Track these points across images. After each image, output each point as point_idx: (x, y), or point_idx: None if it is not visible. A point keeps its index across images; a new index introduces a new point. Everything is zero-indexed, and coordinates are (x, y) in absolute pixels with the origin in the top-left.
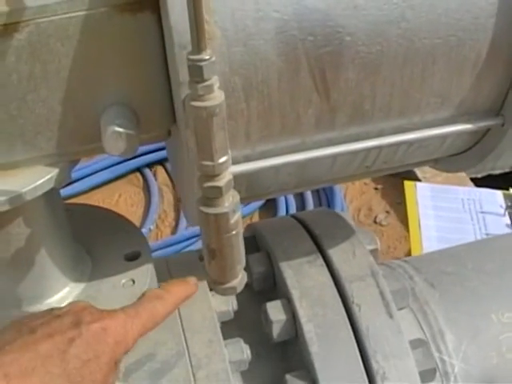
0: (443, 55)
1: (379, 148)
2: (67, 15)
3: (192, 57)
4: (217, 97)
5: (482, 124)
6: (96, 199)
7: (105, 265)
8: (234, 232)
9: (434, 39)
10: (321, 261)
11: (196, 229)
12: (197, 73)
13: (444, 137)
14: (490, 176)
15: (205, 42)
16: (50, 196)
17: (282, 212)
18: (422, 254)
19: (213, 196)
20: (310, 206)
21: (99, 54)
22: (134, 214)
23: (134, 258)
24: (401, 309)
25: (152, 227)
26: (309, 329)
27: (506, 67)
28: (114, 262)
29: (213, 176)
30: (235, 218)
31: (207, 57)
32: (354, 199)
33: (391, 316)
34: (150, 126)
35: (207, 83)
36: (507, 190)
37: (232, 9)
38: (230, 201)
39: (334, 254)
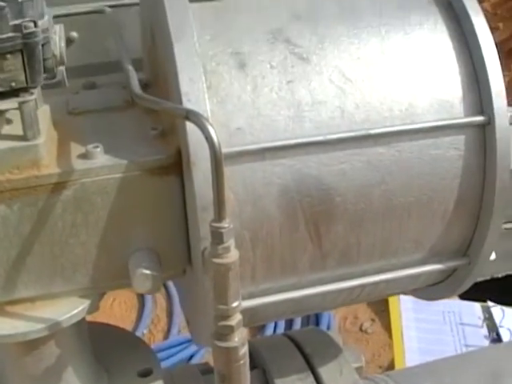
0: (417, 210)
1: (363, 286)
2: (107, 176)
3: (214, 224)
4: (233, 255)
5: (451, 264)
6: None
7: (120, 381)
8: (242, 362)
9: (408, 198)
10: (311, 378)
11: (187, 334)
12: (218, 237)
13: (418, 275)
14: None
15: (225, 212)
16: (79, 321)
17: (270, 325)
18: (403, 367)
19: (225, 333)
20: (298, 318)
21: (131, 207)
22: (127, 319)
23: (146, 374)
24: None
25: (145, 331)
26: None
27: (469, 217)
28: (127, 379)
29: (226, 317)
30: (243, 350)
31: (226, 225)
32: (341, 308)
33: None
34: (169, 266)
35: (226, 245)
36: (485, 301)
37: (244, 177)
38: (239, 336)
39: (323, 372)
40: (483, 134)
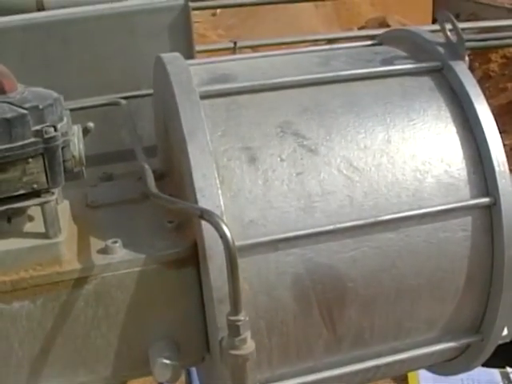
0: (427, 291)
1: (378, 366)
2: (126, 271)
3: (231, 318)
4: (250, 347)
5: (464, 341)
6: None
7: None
8: None
9: (419, 280)
10: None
11: None
12: (234, 330)
13: (432, 353)
14: None
15: (241, 306)
16: None
17: None
18: None
19: None
20: None
21: (150, 299)
22: None
23: None
24: None
25: None
26: None
27: (480, 294)
28: None
29: None
30: None
31: (242, 318)
32: None
33: None
34: (188, 355)
35: (242, 337)
36: (504, 368)
37: (258, 268)
38: None
39: None
40: (490, 214)
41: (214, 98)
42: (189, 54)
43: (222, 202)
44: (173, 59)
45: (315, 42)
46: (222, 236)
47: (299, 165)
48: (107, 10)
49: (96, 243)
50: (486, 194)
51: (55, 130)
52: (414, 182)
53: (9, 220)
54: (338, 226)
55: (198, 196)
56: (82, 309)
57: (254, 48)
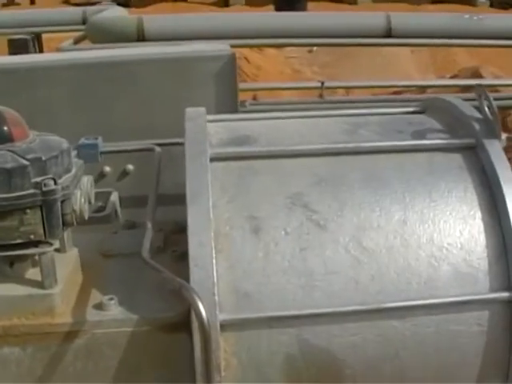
0: None
1: None
2: (118, 330)
3: None
4: None
5: None
6: None
7: None
8: None
9: (424, 373)
10: None
11: None
12: None
13: None
14: None
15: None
16: None
17: None
18: None
19: None
20: None
21: (140, 360)
22: None
23: None
24: None
25: None
26: None
27: None
28: None
29: None
30: None
31: None
32: None
33: None
34: None
35: None
36: None
37: (249, 344)
38: None
39: None
40: (509, 310)
41: (228, 160)
42: (232, 102)
43: (214, 273)
44: (195, 116)
45: (404, 87)
46: (197, 313)
47: (304, 240)
48: (157, 54)
49: (95, 296)
50: (507, 288)
51: (55, 183)
52: (427, 268)
53: (11, 264)
54: (339, 309)
55: (191, 264)
56: (71, 361)
57: (335, 89)
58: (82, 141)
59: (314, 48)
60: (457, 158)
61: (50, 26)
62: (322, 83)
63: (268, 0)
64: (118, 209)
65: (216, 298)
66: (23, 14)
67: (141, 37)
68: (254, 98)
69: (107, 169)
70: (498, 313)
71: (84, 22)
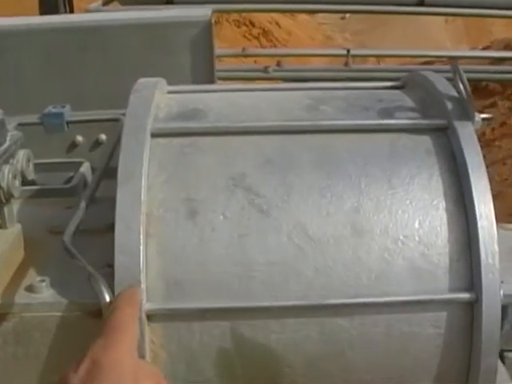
0: None
1: None
2: (47, 314)
3: None
4: None
5: None
6: None
7: None
8: None
9: (372, 375)
10: None
11: None
12: None
13: None
14: None
15: None
16: None
17: None
18: None
19: None
20: None
21: (71, 345)
22: None
23: None
24: None
25: None
26: None
27: None
28: None
29: None
30: None
31: None
32: None
33: None
34: None
35: None
36: None
37: (179, 336)
38: None
39: None
40: (470, 311)
41: (170, 136)
42: (208, 72)
43: (141, 259)
44: (142, 87)
45: (435, 58)
46: (103, 307)
47: (244, 226)
48: (129, 20)
49: (31, 277)
50: (469, 289)
51: None
52: (380, 262)
53: None
54: (278, 303)
55: (116, 252)
56: (1, 346)
57: (366, 58)
58: (48, 109)
59: (347, 15)
60: (424, 141)
61: None
62: (348, 50)
63: None
64: (89, 180)
65: (142, 285)
66: None
67: None
68: (278, 64)
69: (79, 138)
70: (458, 315)
71: None
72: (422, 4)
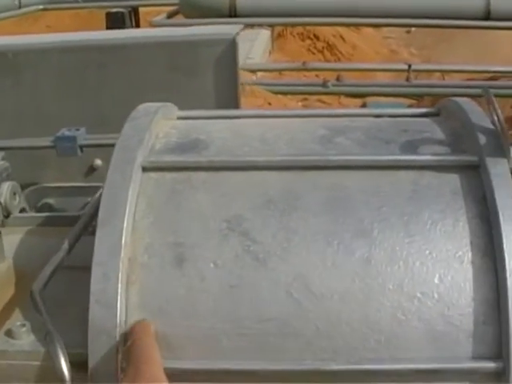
0: None
1: None
2: (23, 362)
3: None
4: None
5: None
6: None
7: None
8: None
9: None
10: None
11: None
12: None
13: None
14: None
15: None
16: None
17: None
18: None
19: None
20: None
21: None
22: None
23: None
24: None
25: None
26: None
27: None
28: None
29: None
30: None
31: None
32: None
33: None
34: None
35: None
36: None
37: None
38: None
39: None
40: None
41: (164, 171)
42: (232, 91)
43: (118, 312)
44: (141, 114)
45: (502, 73)
46: (57, 370)
47: (236, 276)
48: (151, 38)
49: (14, 319)
50: (496, 357)
51: None
52: (391, 323)
53: None
54: (271, 366)
55: (92, 300)
56: None
57: (431, 73)
58: (62, 132)
59: (413, 29)
60: (451, 180)
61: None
62: (409, 66)
63: None
64: None
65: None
66: None
67: (233, 13)
68: (338, 78)
69: (98, 162)
70: None
71: None
72: (487, 18)
